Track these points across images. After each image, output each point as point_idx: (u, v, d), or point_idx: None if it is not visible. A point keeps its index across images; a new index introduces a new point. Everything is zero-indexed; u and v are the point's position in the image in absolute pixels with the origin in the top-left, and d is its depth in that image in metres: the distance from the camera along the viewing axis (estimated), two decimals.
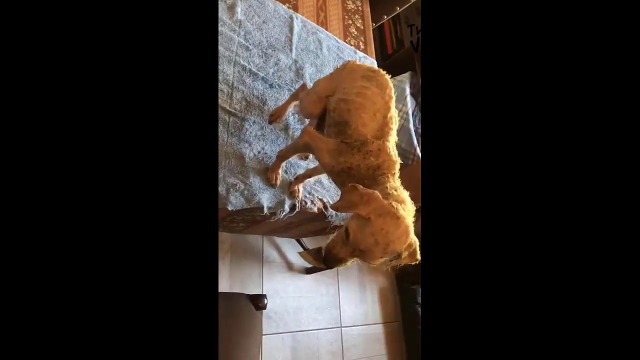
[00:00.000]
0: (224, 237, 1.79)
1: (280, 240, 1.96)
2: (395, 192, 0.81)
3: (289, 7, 1.32)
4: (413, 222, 0.78)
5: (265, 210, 1.02)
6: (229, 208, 0.95)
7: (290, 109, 1.12)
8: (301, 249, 1.83)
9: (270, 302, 1.85)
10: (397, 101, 2.53)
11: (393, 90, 0.93)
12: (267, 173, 1.05)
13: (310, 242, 1.86)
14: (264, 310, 1.84)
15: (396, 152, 0.90)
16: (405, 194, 0.84)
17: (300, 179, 1.09)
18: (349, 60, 1.00)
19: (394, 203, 0.77)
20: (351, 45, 1.50)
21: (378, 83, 0.92)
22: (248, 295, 1.31)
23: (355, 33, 1.54)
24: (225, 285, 1.73)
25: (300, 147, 0.97)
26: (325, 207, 1.15)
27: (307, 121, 1.14)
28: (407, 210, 0.80)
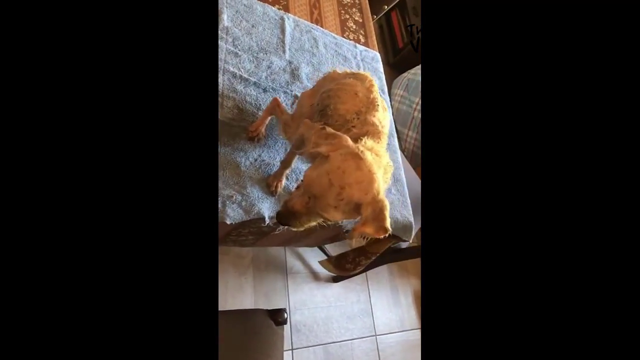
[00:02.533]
0: (244, 252, 1.76)
1: (302, 250, 1.90)
2: (369, 145, 0.72)
3: (279, 9, 1.27)
4: (385, 184, 0.70)
5: (267, 221, 0.96)
6: (227, 221, 0.91)
7: (267, 122, 1.03)
8: (325, 257, 1.76)
9: (298, 315, 1.79)
10: (413, 94, 2.41)
11: (376, 82, 0.88)
12: (267, 180, 0.99)
13: (333, 249, 1.79)
14: (291, 324, 1.78)
15: (385, 125, 0.82)
16: (384, 153, 0.75)
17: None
18: (330, 71, 0.96)
19: (361, 147, 0.68)
20: (350, 39, 1.43)
21: (358, 77, 0.88)
22: (266, 310, 1.26)
23: (354, 27, 1.47)
24: (249, 301, 1.69)
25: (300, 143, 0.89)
26: None
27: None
28: (379, 163, 0.70)
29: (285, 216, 0.73)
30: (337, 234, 1.27)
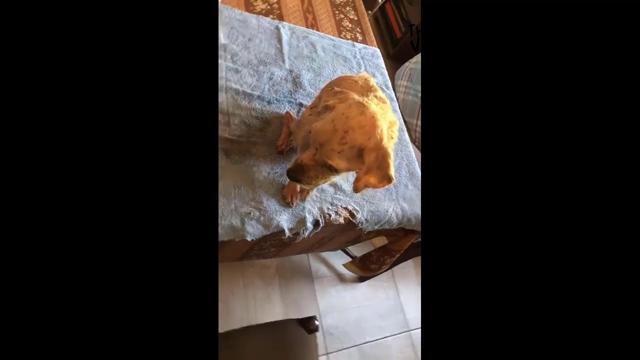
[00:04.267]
0: (268, 262, 1.77)
1: (326, 253, 1.90)
2: (374, 101, 0.76)
3: (273, 19, 1.27)
4: (390, 135, 0.72)
5: (287, 233, 0.96)
6: (248, 238, 0.91)
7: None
8: (348, 258, 1.75)
9: (329, 319, 1.79)
10: (417, 82, 2.39)
11: (373, 79, 0.90)
12: (282, 192, 0.99)
13: (356, 249, 1.78)
14: (323, 329, 1.78)
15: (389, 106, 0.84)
16: (389, 110, 0.79)
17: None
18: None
19: (366, 99, 0.72)
20: (348, 39, 1.42)
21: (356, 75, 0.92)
22: (297, 320, 1.25)
23: (350, 25, 1.45)
24: (279, 310, 1.70)
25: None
26: (352, 214, 1.07)
27: None
28: (384, 115, 0.73)
29: (294, 171, 0.76)
30: (359, 235, 1.26)
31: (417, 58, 2.52)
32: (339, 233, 1.16)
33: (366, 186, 0.71)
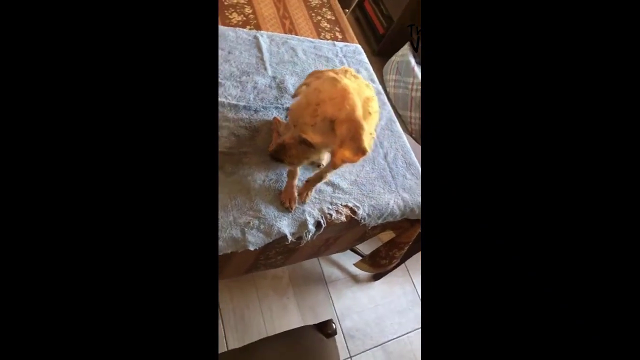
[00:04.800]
0: (280, 272, 1.76)
1: (336, 256, 1.88)
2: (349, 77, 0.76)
3: (250, 29, 1.28)
4: (368, 110, 0.73)
5: (290, 237, 0.95)
6: (251, 248, 0.90)
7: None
8: (359, 258, 1.73)
9: (347, 321, 1.77)
10: (405, 75, 2.38)
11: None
12: (280, 198, 0.98)
13: (365, 248, 1.76)
14: (343, 332, 1.76)
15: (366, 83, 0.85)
16: (365, 87, 0.79)
17: (311, 182, 1.01)
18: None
19: (340, 75, 0.73)
20: (328, 39, 1.42)
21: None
22: (313, 325, 1.24)
23: (328, 26, 1.46)
24: (296, 319, 1.68)
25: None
26: (353, 211, 1.06)
27: None
28: (358, 91, 0.73)
29: (276, 151, 0.78)
30: (364, 232, 1.25)
31: (402, 51, 2.52)
32: (343, 232, 1.15)
33: (343, 161, 0.72)
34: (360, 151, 0.70)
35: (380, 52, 2.72)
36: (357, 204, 1.07)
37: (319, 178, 1.00)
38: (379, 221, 1.11)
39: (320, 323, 1.23)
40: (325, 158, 1.07)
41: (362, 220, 1.07)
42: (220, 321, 1.58)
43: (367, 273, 1.88)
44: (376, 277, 1.91)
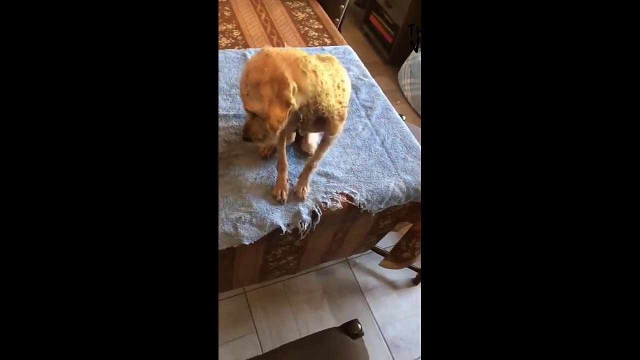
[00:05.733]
0: (312, 285, 1.74)
1: (370, 264, 1.82)
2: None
3: (239, 49, 1.36)
4: (300, 68, 0.76)
5: (284, 228, 0.95)
6: (245, 242, 0.91)
7: None
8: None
9: (390, 330, 1.68)
10: (419, 76, 2.36)
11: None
12: (272, 192, 1.00)
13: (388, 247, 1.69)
14: (387, 342, 1.67)
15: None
16: (321, 66, 0.83)
17: (303, 175, 1.02)
18: None
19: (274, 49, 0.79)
20: (316, 46, 1.47)
21: None
22: (338, 327, 1.20)
23: (316, 34, 1.51)
24: None
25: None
26: (349, 197, 1.04)
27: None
28: (328, 68, 0.81)
29: (243, 132, 0.83)
30: (374, 225, 1.21)
31: (412, 54, 2.52)
32: (348, 223, 1.13)
33: (278, 121, 0.75)
34: (285, 104, 0.74)
35: (392, 61, 2.74)
36: (354, 190, 1.05)
37: (308, 168, 1.01)
38: (382, 206, 1.08)
39: (345, 324, 1.19)
40: (313, 145, 1.08)
41: (362, 206, 1.05)
42: (257, 340, 1.57)
43: (405, 278, 1.79)
44: (415, 281, 1.81)
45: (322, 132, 1.01)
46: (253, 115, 0.78)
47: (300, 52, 0.81)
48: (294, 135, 1.07)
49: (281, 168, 1.00)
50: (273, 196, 0.99)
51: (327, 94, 0.83)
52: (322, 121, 0.90)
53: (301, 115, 0.84)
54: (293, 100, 0.75)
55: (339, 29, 1.87)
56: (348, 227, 1.16)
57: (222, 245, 0.90)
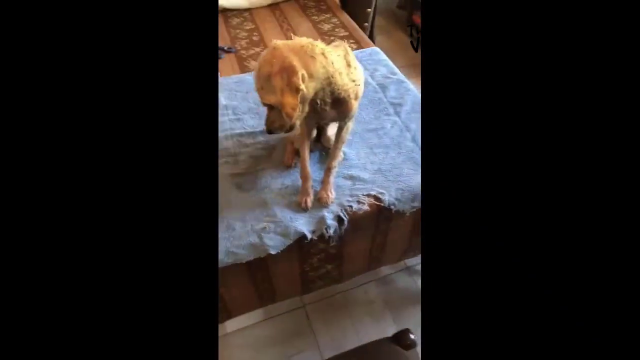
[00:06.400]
0: (371, 296, 1.68)
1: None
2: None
3: None
4: (308, 54, 0.78)
5: (309, 235, 0.95)
6: (272, 252, 0.92)
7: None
8: None
9: None
10: None
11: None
12: (297, 200, 1.00)
13: None
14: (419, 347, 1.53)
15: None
16: (325, 50, 0.83)
17: (325, 180, 1.01)
18: None
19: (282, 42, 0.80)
20: None
21: None
22: (389, 338, 1.14)
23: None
24: None
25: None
26: (377, 198, 1.00)
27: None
28: (309, 50, 0.79)
29: (266, 125, 0.87)
30: (415, 224, 1.14)
31: None
32: (384, 224, 1.08)
33: (292, 108, 0.76)
34: (295, 91, 0.76)
35: None
36: (382, 190, 1.01)
37: (328, 170, 1.00)
38: (415, 204, 1.02)
39: (396, 334, 1.13)
40: (332, 137, 1.06)
41: (392, 207, 0.99)
42: (319, 354, 1.55)
43: None
44: None
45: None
46: (271, 107, 0.83)
47: (305, 40, 0.83)
48: (314, 132, 1.07)
49: (304, 176, 1.00)
50: (297, 204, 0.99)
51: (340, 73, 0.85)
52: (338, 103, 0.91)
53: (318, 101, 0.86)
54: (302, 86, 0.76)
55: (371, 32, 1.84)
56: (385, 230, 1.11)
57: (250, 256, 0.92)
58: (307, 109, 0.84)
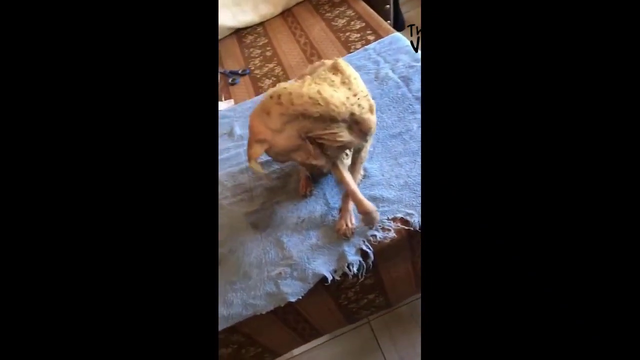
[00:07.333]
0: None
1: None
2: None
3: None
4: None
5: (330, 277, 0.84)
6: (291, 299, 0.84)
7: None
8: None
9: None
10: None
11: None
12: (335, 228, 0.89)
13: None
14: None
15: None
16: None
17: (343, 207, 0.89)
18: None
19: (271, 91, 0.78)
20: (358, 48, 1.31)
21: None
22: None
23: (357, 36, 1.34)
24: None
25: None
26: (404, 222, 0.85)
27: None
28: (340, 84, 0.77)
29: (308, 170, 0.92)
30: None
31: None
32: (417, 248, 0.92)
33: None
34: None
35: None
36: (409, 211, 0.85)
37: (346, 197, 0.88)
38: None
39: None
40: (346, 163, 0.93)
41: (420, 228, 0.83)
42: None
43: None
44: None
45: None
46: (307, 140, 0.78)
47: (276, 88, 0.78)
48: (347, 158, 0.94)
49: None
50: (337, 232, 0.88)
51: (354, 102, 0.77)
52: (354, 123, 0.79)
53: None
54: (255, 150, 0.74)
55: (396, 14, 1.64)
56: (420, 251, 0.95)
57: (268, 306, 0.85)
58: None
